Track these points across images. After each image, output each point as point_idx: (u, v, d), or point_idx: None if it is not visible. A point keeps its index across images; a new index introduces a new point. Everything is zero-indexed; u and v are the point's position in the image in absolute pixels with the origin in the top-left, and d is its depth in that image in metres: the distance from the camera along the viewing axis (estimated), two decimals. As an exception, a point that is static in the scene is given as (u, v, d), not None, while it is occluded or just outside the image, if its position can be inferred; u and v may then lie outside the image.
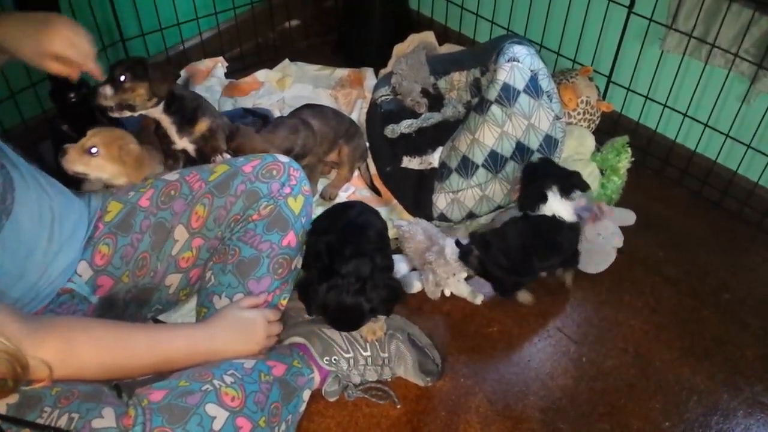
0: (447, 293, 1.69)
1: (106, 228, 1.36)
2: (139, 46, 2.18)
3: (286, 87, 2.29)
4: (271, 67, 2.38)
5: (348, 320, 1.35)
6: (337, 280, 1.30)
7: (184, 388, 1.08)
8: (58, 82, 1.80)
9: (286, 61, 2.41)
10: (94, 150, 1.49)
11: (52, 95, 1.76)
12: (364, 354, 1.43)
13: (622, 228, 1.78)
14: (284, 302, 1.42)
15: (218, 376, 1.13)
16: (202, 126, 1.65)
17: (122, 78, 1.53)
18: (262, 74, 2.34)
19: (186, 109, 1.64)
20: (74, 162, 1.49)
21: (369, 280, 1.31)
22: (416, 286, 1.68)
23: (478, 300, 1.68)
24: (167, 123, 1.63)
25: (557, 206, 1.60)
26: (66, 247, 1.27)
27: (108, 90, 1.53)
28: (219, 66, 2.32)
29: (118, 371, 1.12)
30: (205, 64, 2.33)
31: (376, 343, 1.43)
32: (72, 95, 1.81)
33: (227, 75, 2.32)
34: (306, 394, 1.33)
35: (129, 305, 1.39)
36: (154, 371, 1.17)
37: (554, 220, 1.60)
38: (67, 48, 1.26)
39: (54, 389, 1.04)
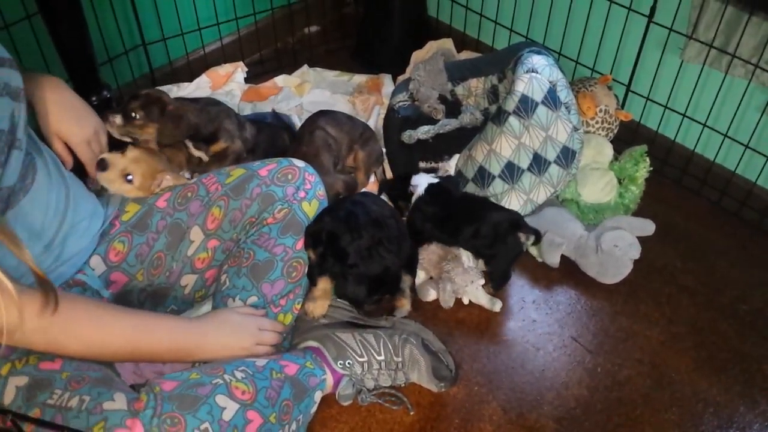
0: (465, 301, 1.69)
1: (123, 226, 1.39)
2: (161, 50, 2.21)
3: (305, 92, 2.30)
4: (290, 72, 2.40)
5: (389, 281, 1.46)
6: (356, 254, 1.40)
7: (195, 380, 1.10)
8: (79, 85, 1.83)
9: (305, 66, 2.43)
10: (129, 177, 1.43)
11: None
12: (378, 358, 1.44)
13: (640, 238, 1.77)
14: (298, 306, 1.43)
15: (229, 372, 1.15)
16: (218, 147, 1.73)
17: (134, 115, 1.57)
18: (281, 79, 2.35)
19: (201, 134, 1.70)
20: (109, 182, 1.44)
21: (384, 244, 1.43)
22: (431, 295, 1.69)
23: (497, 307, 1.67)
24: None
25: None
26: (78, 232, 1.28)
27: (118, 119, 1.56)
28: (239, 71, 2.33)
29: (97, 351, 1.12)
30: (225, 68, 2.35)
31: (390, 348, 1.44)
32: (94, 98, 1.84)
33: (247, 80, 2.34)
34: (318, 396, 1.33)
35: (144, 304, 1.40)
36: (135, 357, 1.18)
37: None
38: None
39: (64, 373, 1.08)
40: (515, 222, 1.67)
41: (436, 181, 1.77)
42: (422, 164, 1.96)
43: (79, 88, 1.80)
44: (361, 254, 1.42)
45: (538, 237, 1.68)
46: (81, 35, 1.78)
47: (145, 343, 1.17)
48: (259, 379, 1.18)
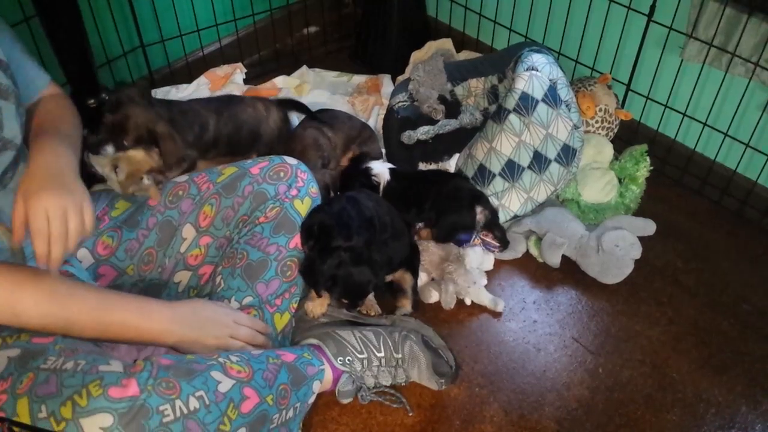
0: (468, 302, 1.68)
1: (112, 222, 1.39)
2: (159, 52, 2.21)
3: (304, 93, 2.30)
4: (289, 73, 2.39)
5: (356, 287, 1.43)
6: (339, 254, 1.39)
7: (191, 359, 1.10)
8: (77, 87, 1.82)
9: (304, 67, 2.42)
10: (118, 170, 1.45)
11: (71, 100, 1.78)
12: (378, 355, 1.43)
13: (641, 238, 1.77)
14: (295, 305, 1.43)
15: (224, 356, 1.15)
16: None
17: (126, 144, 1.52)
18: (280, 80, 2.35)
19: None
20: (100, 164, 1.47)
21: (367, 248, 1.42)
22: (434, 296, 1.68)
23: (500, 307, 1.67)
24: None
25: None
26: None
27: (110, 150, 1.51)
28: (238, 72, 2.33)
29: (62, 326, 1.10)
30: (224, 70, 2.34)
31: (390, 344, 1.43)
32: (91, 101, 1.84)
33: (246, 81, 2.34)
34: (316, 386, 1.32)
35: None
36: (101, 335, 1.15)
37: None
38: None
39: (57, 345, 1.07)
40: (477, 195, 1.76)
41: (392, 166, 1.86)
42: (422, 165, 1.96)
43: (77, 91, 1.80)
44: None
45: (495, 216, 1.76)
46: (79, 37, 1.77)
47: (112, 321, 1.15)
48: (255, 362, 1.18)
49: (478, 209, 1.73)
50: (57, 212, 1.06)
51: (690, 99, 1.94)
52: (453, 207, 1.74)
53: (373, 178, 1.80)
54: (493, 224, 1.76)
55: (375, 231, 1.47)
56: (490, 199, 1.80)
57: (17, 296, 1.06)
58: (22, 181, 1.10)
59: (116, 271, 1.38)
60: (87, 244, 1.35)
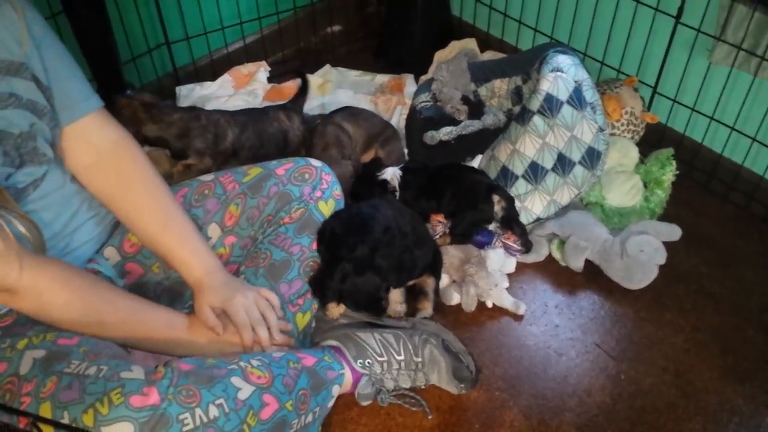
0: (489, 305, 1.67)
1: None
2: (184, 49, 2.22)
3: (327, 92, 2.30)
4: (312, 71, 2.39)
5: (366, 297, 1.42)
6: (343, 266, 1.38)
7: (211, 364, 1.11)
8: (102, 84, 1.84)
9: (328, 66, 2.42)
10: None
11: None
12: (398, 358, 1.43)
13: (665, 243, 1.74)
14: (316, 306, 1.44)
15: (245, 360, 1.16)
16: (187, 162, 1.81)
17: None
18: (304, 79, 2.35)
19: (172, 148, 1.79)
20: None
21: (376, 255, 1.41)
22: (455, 298, 1.67)
23: (521, 310, 1.66)
24: None
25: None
26: (89, 227, 1.31)
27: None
28: (261, 70, 2.34)
29: (94, 328, 1.15)
30: (248, 68, 2.35)
31: (410, 348, 1.43)
32: (117, 97, 1.85)
33: (269, 79, 2.34)
34: (335, 390, 1.32)
35: (161, 297, 1.41)
36: (129, 342, 1.20)
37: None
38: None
39: (81, 348, 1.09)
40: (493, 186, 1.78)
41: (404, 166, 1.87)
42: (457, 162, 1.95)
43: (102, 87, 1.82)
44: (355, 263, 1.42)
45: (512, 206, 1.77)
46: (105, 34, 1.79)
47: (140, 333, 1.19)
48: (275, 367, 1.18)
49: (495, 198, 1.74)
50: (251, 306, 1.25)
51: (718, 102, 1.91)
52: (470, 202, 1.74)
53: (387, 185, 1.80)
54: (512, 219, 1.75)
55: (393, 240, 1.46)
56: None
57: (52, 295, 1.10)
58: (206, 294, 1.26)
59: (142, 269, 1.39)
60: (113, 241, 1.36)
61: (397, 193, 1.79)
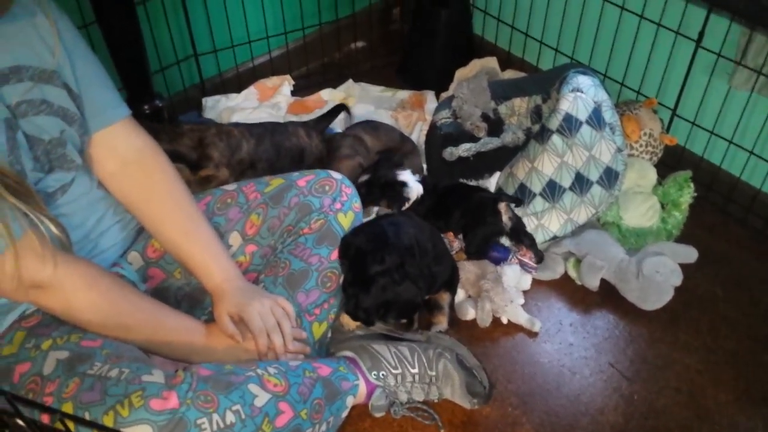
0: (504, 321, 1.69)
1: None
2: (211, 61, 2.27)
3: (349, 107, 2.33)
4: (335, 86, 2.43)
5: (407, 305, 1.46)
6: (377, 280, 1.41)
7: (229, 370, 1.14)
8: (132, 93, 1.89)
9: (350, 81, 2.46)
10: None
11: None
12: (412, 371, 1.44)
13: (682, 265, 1.75)
14: (332, 316, 1.46)
15: (262, 367, 1.18)
16: (204, 172, 1.82)
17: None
18: (326, 93, 2.39)
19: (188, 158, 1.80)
20: None
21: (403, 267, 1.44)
22: (470, 314, 1.69)
23: (536, 327, 1.67)
24: None
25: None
26: (113, 232, 1.34)
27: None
28: (286, 84, 2.38)
29: (116, 330, 1.18)
30: (273, 81, 2.39)
31: (424, 361, 1.45)
32: (146, 107, 1.90)
33: (293, 93, 2.38)
34: (350, 401, 1.34)
35: (181, 303, 1.43)
36: (148, 346, 1.22)
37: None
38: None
39: (104, 350, 1.11)
40: (496, 198, 1.81)
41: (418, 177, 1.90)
42: (463, 182, 1.97)
43: (132, 97, 1.86)
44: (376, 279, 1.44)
45: (518, 202, 1.82)
46: (136, 45, 1.83)
47: (160, 331, 1.22)
48: (291, 375, 1.20)
49: (502, 207, 1.76)
50: (266, 312, 1.27)
51: (737, 126, 1.92)
52: (479, 218, 1.76)
53: (404, 192, 1.82)
54: (520, 230, 1.78)
55: (415, 258, 1.48)
56: (528, 217, 1.81)
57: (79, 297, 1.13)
58: (225, 301, 1.29)
59: (164, 274, 1.42)
60: (137, 247, 1.40)
61: (408, 203, 1.82)
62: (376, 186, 1.84)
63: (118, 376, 1.06)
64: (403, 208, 1.82)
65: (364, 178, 1.84)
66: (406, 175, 1.85)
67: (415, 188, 1.83)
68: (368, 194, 1.82)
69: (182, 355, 1.27)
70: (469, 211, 1.78)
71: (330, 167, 1.77)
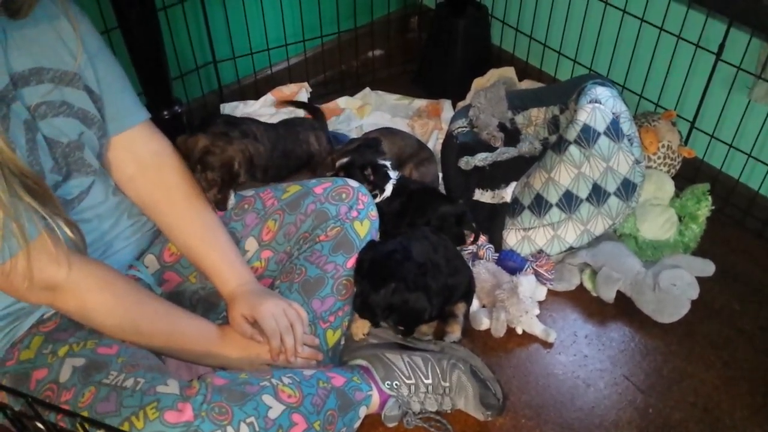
0: (519, 331, 1.68)
1: None
2: (230, 68, 2.28)
3: (366, 114, 2.34)
4: (352, 94, 2.44)
5: (413, 314, 1.45)
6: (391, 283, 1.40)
7: (244, 380, 1.14)
8: (152, 98, 1.90)
9: (367, 89, 2.47)
10: None
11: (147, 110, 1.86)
12: (426, 381, 1.44)
13: (698, 278, 1.74)
14: (346, 323, 1.47)
15: (276, 377, 1.18)
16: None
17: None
18: (343, 101, 2.40)
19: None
20: None
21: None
22: (485, 324, 1.69)
23: (551, 338, 1.66)
24: None
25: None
26: (126, 235, 1.35)
27: None
28: (303, 91, 2.39)
29: (131, 333, 1.19)
30: (291, 88, 2.40)
31: (438, 372, 1.45)
32: (165, 113, 1.91)
33: (310, 100, 2.39)
34: (362, 411, 1.34)
35: (196, 307, 1.45)
36: (162, 349, 1.24)
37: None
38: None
39: (120, 358, 1.13)
40: (460, 217, 1.79)
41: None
42: (478, 192, 1.97)
43: (152, 102, 1.88)
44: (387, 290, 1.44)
45: (477, 234, 1.82)
46: (156, 50, 1.85)
47: (174, 334, 1.24)
48: (305, 386, 1.21)
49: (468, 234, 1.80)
50: (279, 314, 1.29)
51: (756, 140, 1.90)
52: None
53: (388, 174, 1.80)
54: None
55: (426, 277, 1.48)
56: (545, 228, 1.81)
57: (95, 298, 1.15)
58: (239, 304, 1.31)
59: (180, 278, 1.43)
60: (153, 250, 1.41)
61: (378, 197, 1.76)
62: (357, 167, 1.78)
63: (134, 386, 1.07)
64: (376, 201, 1.73)
65: (344, 160, 1.80)
66: (386, 163, 1.83)
67: (393, 175, 1.80)
68: (348, 177, 1.74)
69: (196, 357, 1.28)
70: (433, 226, 1.75)
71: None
